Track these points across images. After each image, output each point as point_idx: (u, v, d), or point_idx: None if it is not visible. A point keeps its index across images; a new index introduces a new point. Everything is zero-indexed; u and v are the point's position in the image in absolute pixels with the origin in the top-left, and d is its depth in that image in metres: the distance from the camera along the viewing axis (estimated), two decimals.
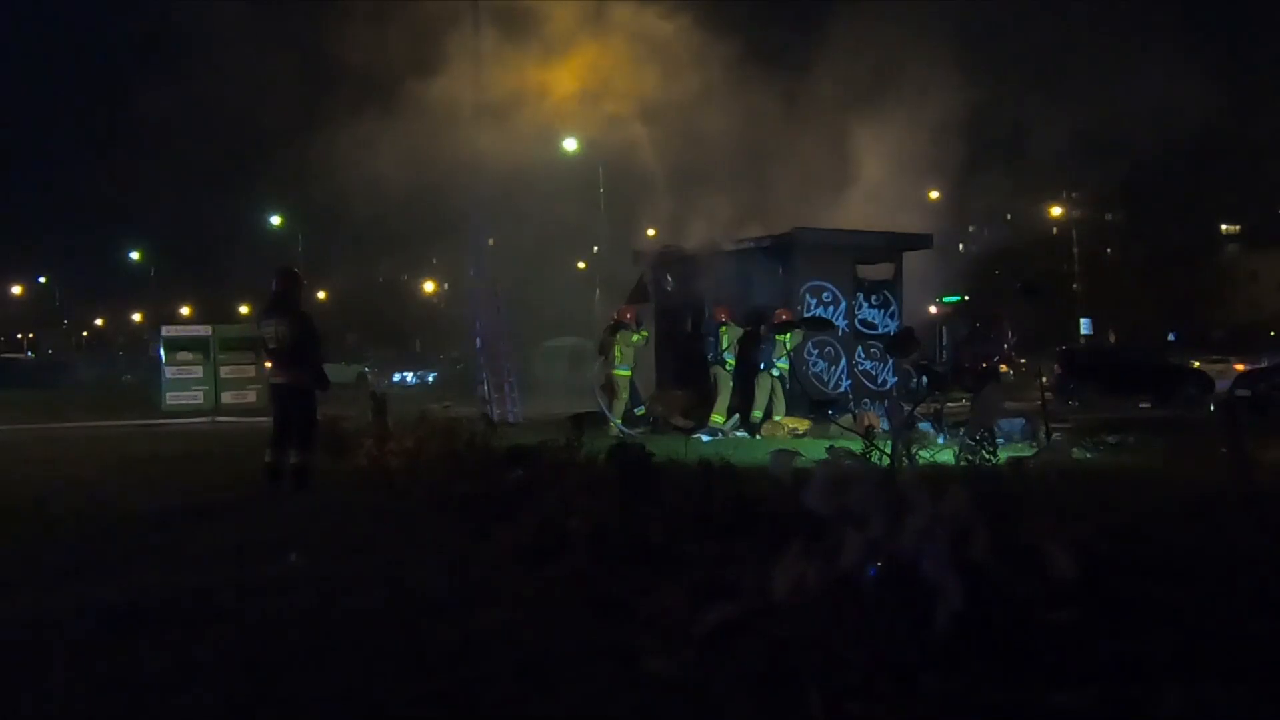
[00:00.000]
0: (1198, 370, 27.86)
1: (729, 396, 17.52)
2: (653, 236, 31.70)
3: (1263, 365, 25.61)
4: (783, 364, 17.39)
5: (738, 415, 17.69)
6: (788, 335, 17.29)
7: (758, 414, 17.34)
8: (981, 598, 3.69)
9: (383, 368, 55.57)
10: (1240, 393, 21.75)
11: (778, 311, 17.72)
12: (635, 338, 18.29)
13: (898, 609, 3.66)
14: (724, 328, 17.80)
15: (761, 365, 17.40)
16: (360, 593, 5.72)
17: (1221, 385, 25.24)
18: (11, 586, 6.20)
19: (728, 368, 17.61)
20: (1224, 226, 69.10)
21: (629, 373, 18.12)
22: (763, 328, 17.68)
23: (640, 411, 18.62)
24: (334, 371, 14.02)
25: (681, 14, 23.65)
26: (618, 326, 18.40)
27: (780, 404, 17.42)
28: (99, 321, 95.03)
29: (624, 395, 18.06)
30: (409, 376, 55.95)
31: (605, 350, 18.38)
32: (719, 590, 4.43)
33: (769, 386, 17.42)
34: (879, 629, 3.65)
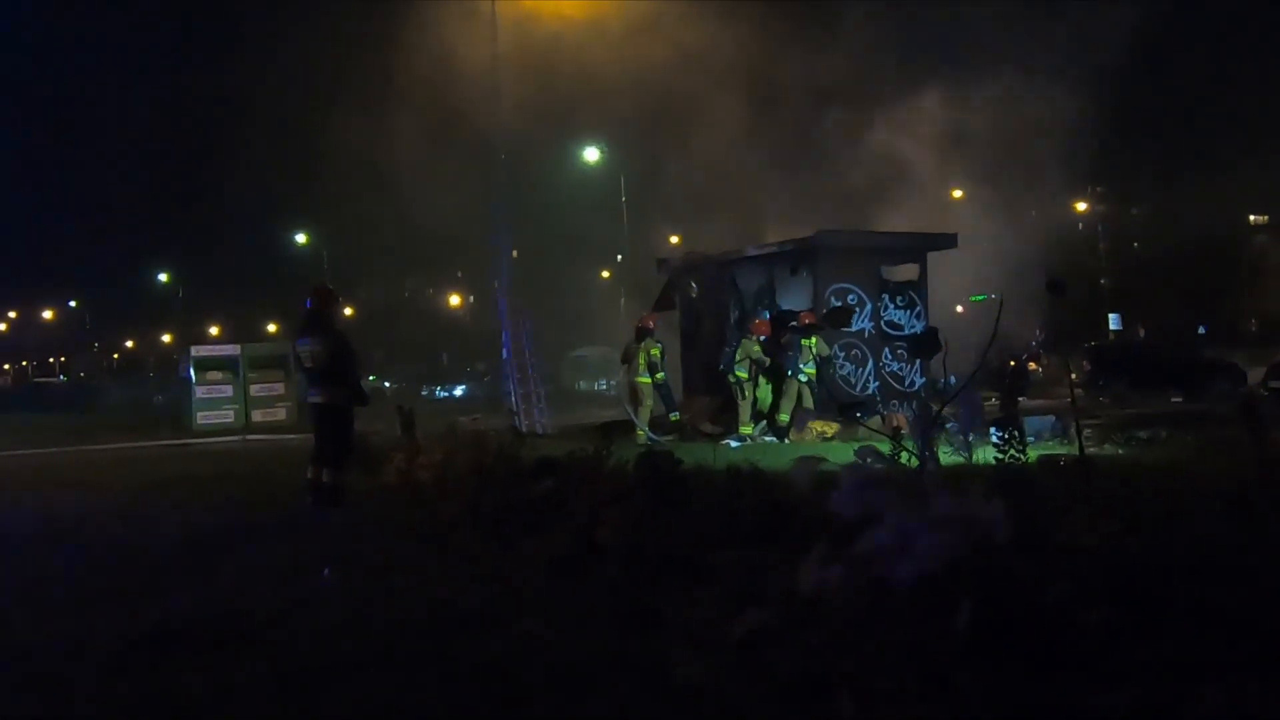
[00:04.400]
0: (1229, 363, 27.55)
1: (750, 406, 17.49)
2: (676, 244, 31.75)
3: None
4: (810, 369, 17.33)
5: (764, 422, 17.66)
6: (813, 340, 17.26)
7: (783, 418, 17.30)
8: (1012, 598, 3.67)
9: (409, 383, 55.81)
10: (1273, 384, 21.54)
11: (801, 315, 17.69)
12: (654, 350, 18.28)
13: (928, 612, 3.65)
14: (747, 339, 17.72)
15: (789, 371, 17.36)
16: (394, 607, 5.76)
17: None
18: (49, 609, 6.27)
19: (735, 377, 17.55)
20: (1252, 217, 68.43)
21: (650, 380, 18.09)
22: (787, 333, 17.67)
23: (675, 418, 18.59)
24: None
25: (703, 17, 23.73)
26: (643, 334, 18.40)
27: (810, 407, 17.37)
28: (129, 343, 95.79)
29: (649, 403, 18.04)
30: (438, 390, 56.15)
31: (630, 358, 18.37)
32: (749, 597, 4.44)
33: (795, 392, 17.37)
34: (910, 632, 3.64)
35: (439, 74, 23.45)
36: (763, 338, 17.52)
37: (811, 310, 17.84)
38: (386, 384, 53.37)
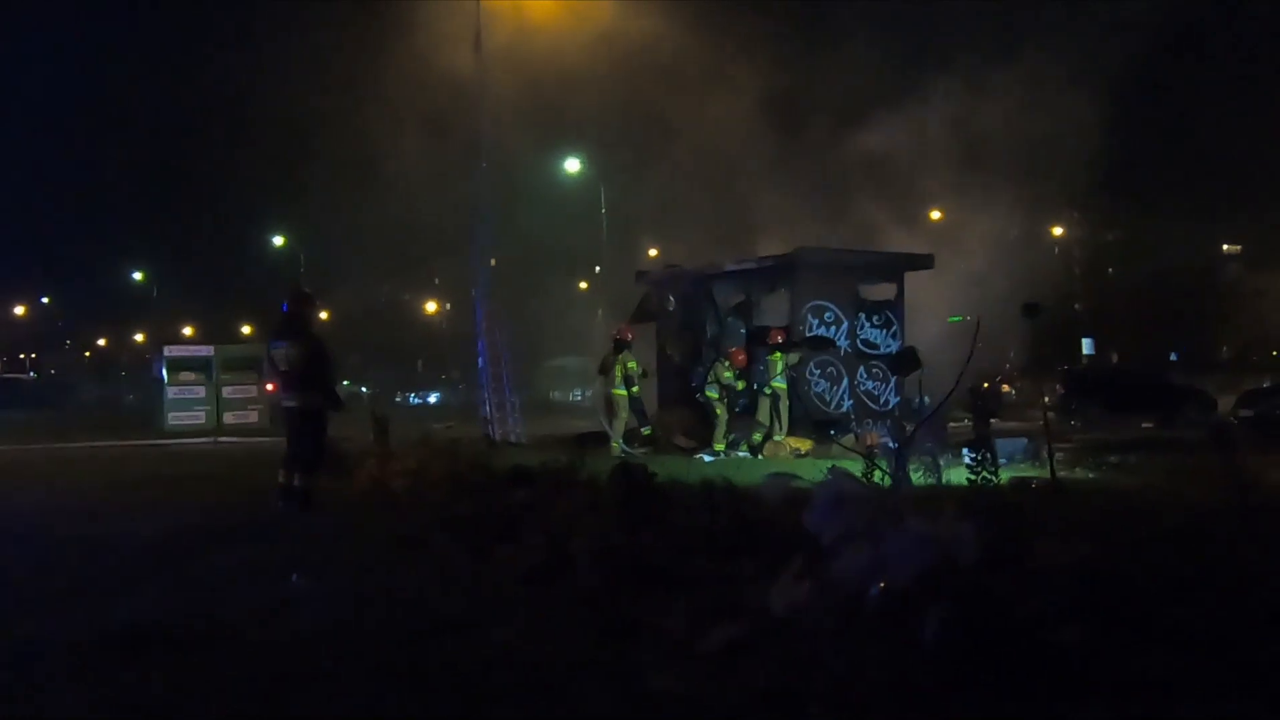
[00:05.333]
0: (1200, 390, 27.79)
1: (724, 424, 17.53)
2: (655, 256, 31.78)
3: (1265, 385, 25.55)
4: (778, 383, 17.39)
5: (733, 435, 17.70)
6: (779, 355, 17.35)
7: (757, 436, 17.34)
8: (984, 616, 3.69)
9: (384, 388, 55.63)
10: (1243, 413, 21.72)
11: (772, 332, 17.80)
12: (631, 363, 18.30)
13: (900, 628, 3.67)
14: (719, 363, 17.84)
15: (756, 385, 17.44)
16: (365, 613, 5.72)
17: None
18: (13, 609, 6.20)
19: (705, 396, 17.61)
20: (1225, 247, 69.14)
21: (626, 393, 18.10)
22: (757, 349, 17.78)
23: (648, 431, 18.64)
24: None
25: (686, 32, 23.81)
26: (620, 346, 18.39)
27: (782, 424, 17.42)
28: (102, 341, 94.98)
29: (624, 415, 18.04)
30: (412, 396, 56.01)
31: (607, 370, 18.36)
32: (723, 610, 4.45)
33: (767, 407, 17.44)
34: (882, 648, 3.66)
35: (421, 79, 23.42)
36: (737, 369, 17.62)
37: (782, 328, 17.93)
38: (364, 389, 53.16)
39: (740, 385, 17.58)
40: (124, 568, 7.48)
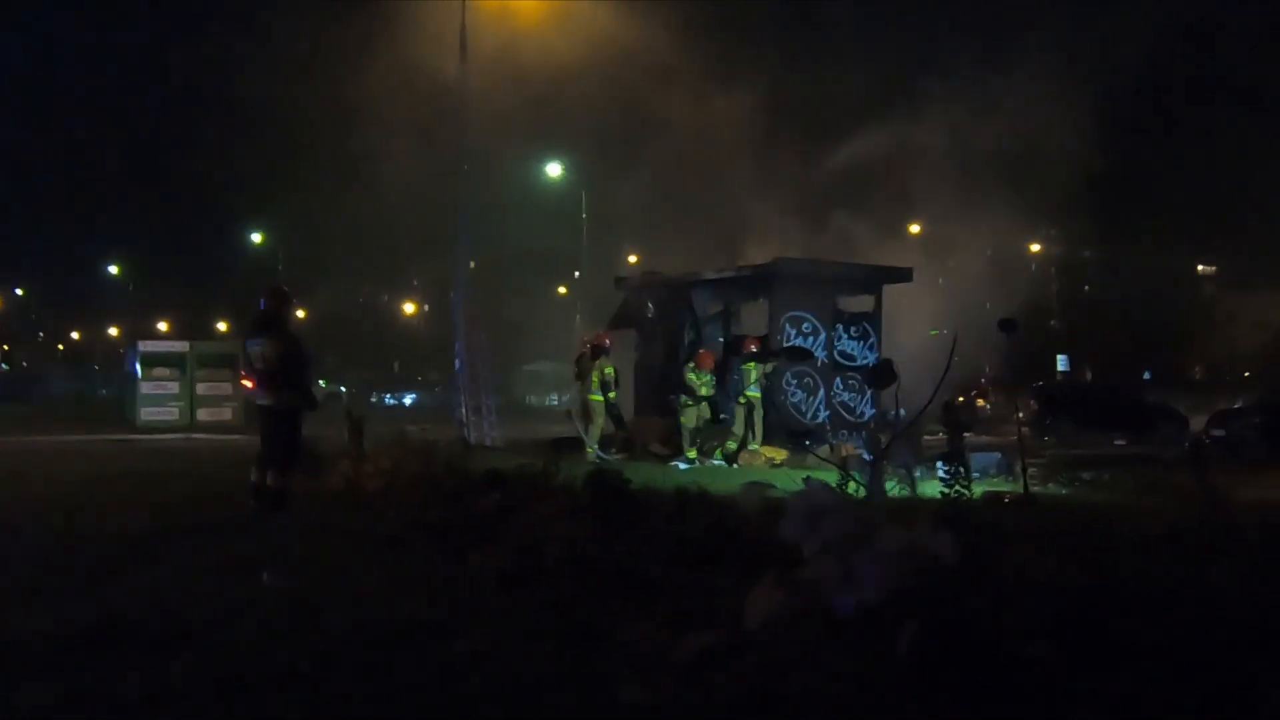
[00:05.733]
0: (1173, 409, 28.01)
1: (688, 431, 17.54)
2: (635, 263, 31.86)
3: (1236, 406, 25.76)
4: (753, 393, 17.43)
5: (706, 443, 17.72)
6: (753, 365, 17.40)
7: (731, 445, 17.36)
8: (957, 629, 3.70)
9: (360, 389, 55.45)
10: (1215, 432, 21.89)
11: (745, 340, 17.84)
12: (609, 369, 18.30)
13: (873, 639, 3.68)
14: (685, 366, 17.86)
15: (731, 394, 17.48)
16: (336, 614, 5.69)
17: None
18: None
19: (680, 403, 17.64)
20: (1200, 267, 69.78)
21: (603, 399, 18.08)
22: (732, 358, 17.83)
23: (623, 433, 18.68)
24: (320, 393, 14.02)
25: (671, 40, 23.86)
26: (598, 351, 18.37)
27: (756, 433, 17.46)
28: (75, 335, 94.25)
29: (600, 421, 18.03)
30: (388, 397, 55.84)
31: (584, 375, 18.33)
32: (696, 618, 4.44)
33: (741, 416, 17.48)
34: (855, 659, 3.66)
35: (405, 80, 23.39)
36: (707, 373, 17.58)
37: (757, 337, 17.98)
38: (343, 389, 52.97)
39: (705, 390, 17.53)
40: (93, 563, 7.41)
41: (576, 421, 18.51)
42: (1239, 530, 5.91)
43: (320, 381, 46.48)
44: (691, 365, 17.71)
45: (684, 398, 17.52)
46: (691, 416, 17.44)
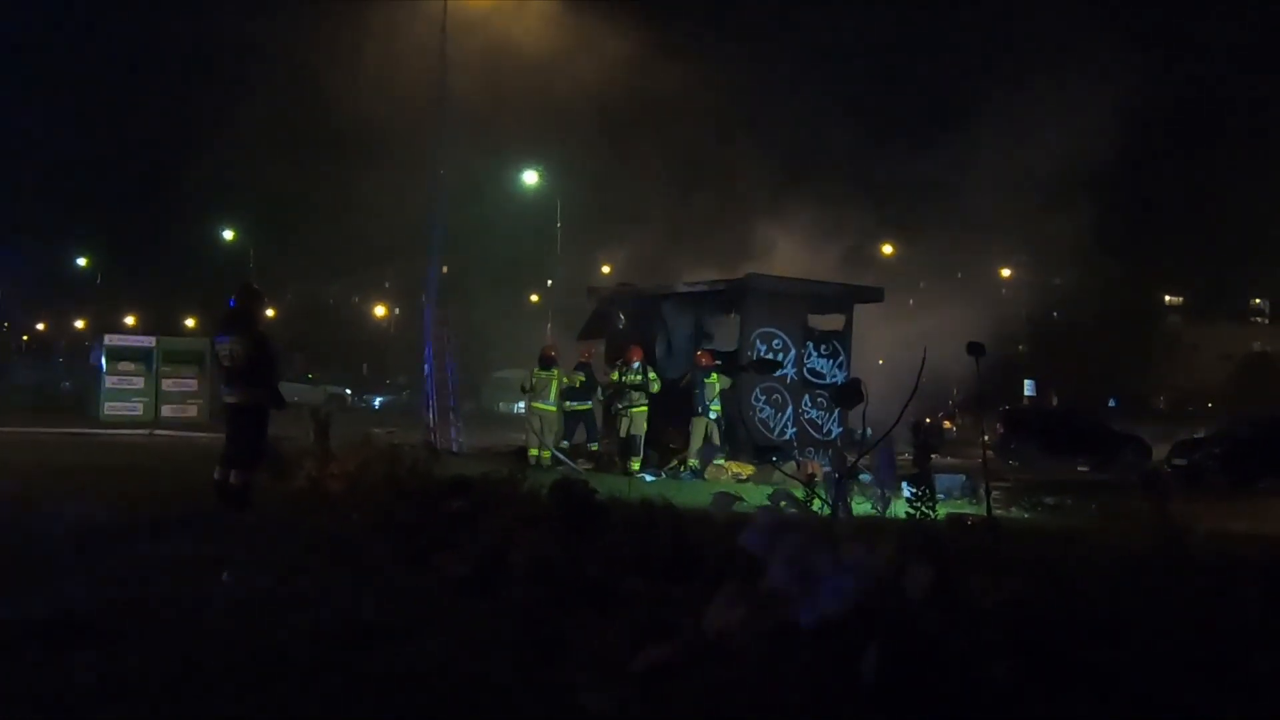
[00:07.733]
0: (1137, 437, 28.26)
1: (637, 444, 17.60)
2: (608, 274, 31.92)
3: (1197, 435, 26.03)
4: (716, 406, 17.49)
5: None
6: (716, 377, 17.46)
7: (694, 463, 17.35)
8: (917, 648, 3.71)
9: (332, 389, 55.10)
10: (1177, 461, 22.09)
11: (698, 354, 17.93)
12: (579, 379, 18.48)
13: (832, 656, 3.68)
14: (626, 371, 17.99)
15: (699, 409, 17.50)
16: (295, 615, 5.65)
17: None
18: None
19: (632, 412, 17.71)
20: (1167, 298, 70.62)
21: (556, 408, 18.23)
22: (691, 371, 17.89)
23: (595, 447, 18.73)
24: (302, 391, 13.87)
25: (648, 53, 23.94)
26: (549, 362, 18.49)
27: (717, 444, 17.55)
28: (40, 326, 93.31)
29: (556, 429, 18.24)
30: (356, 399, 55.52)
31: (539, 386, 18.42)
32: (657, 630, 4.44)
33: (703, 429, 17.51)
34: (813, 675, 3.67)
35: (381, 83, 23.35)
36: (635, 364, 17.80)
37: (709, 350, 18.09)
38: (348, 390, 52.90)
39: (635, 379, 17.70)
40: (51, 557, 7.34)
41: (528, 426, 18.62)
42: (1193, 560, 5.97)
43: (327, 387, 46.50)
44: (620, 364, 17.88)
45: (637, 395, 17.60)
46: (642, 425, 17.56)
